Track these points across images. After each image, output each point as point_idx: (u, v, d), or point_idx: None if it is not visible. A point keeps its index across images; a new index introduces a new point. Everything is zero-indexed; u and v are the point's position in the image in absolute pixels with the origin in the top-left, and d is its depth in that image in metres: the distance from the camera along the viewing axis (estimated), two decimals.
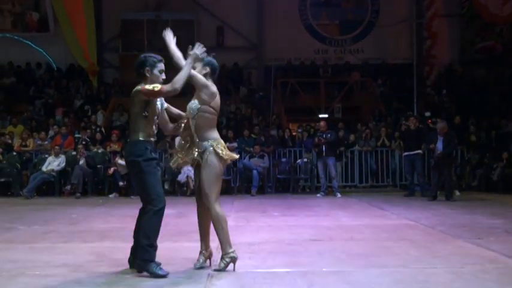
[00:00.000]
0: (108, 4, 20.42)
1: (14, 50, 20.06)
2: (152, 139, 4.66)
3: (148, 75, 4.62)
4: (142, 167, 4.50)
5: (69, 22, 18.06)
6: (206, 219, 4.81)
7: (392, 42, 20.58)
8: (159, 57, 4.73)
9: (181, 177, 13.00)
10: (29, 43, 20.24)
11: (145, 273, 4.44)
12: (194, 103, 4.70)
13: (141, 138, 4.56)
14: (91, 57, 18.55)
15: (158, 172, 4.65)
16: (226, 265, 4.63)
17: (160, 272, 4.40)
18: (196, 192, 4.92)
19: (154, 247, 4.46)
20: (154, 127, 4.68)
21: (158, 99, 4.70)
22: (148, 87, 4.48)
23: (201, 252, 4.84)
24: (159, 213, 4.49)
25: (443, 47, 19.90)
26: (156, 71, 4.65)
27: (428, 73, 19.90)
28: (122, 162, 12.38)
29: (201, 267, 4.75)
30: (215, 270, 4.64)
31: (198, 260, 4.81)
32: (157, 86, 4.48)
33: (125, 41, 20.17)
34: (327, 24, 21.17)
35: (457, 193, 12.32)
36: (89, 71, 18.74)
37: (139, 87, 4.55)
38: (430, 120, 13.94)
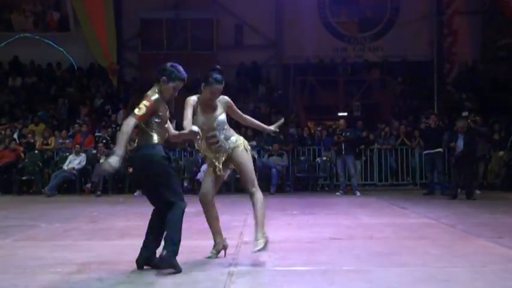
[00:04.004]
0: (127, 3, 20.57)
1: (35, 49, 20.29)
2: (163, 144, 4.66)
3: (162, 83, 4.57)
4: (167, 168, 4.55)
5: (89, 21, 18.24)
6: (216, 216, 5.14)
7: (412, 39, 20.38)
8: (183, 76, 4.63)
9: (200, 176, 13.03)
10: (50, 42, 20.48)
11: (164, 271, 4.46)
12: (222, 116, 5.02)
13: (156, 142, 4.55)
14: (111, 56, 18.72)
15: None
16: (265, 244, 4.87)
17: (178, 266, 4.43)
18: (210, 192, 5.07)
19: (179, 244, 4.49)
20: (163, 134, 4.66)
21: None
22: (138, 109, 4.42)
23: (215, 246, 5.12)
24: (184, 212, 4.57)
25: (464, 44, 19.68)
26: (170, 85, 4.58)
27: (449, 71, 19.69)
28: None
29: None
30: (258, 250, 4.80)
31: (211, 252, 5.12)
32: (140, 114, 4.41)
33: (145, 40, 20.32)
34: (346, 22, 21.08)
35: (477, 191, 12.21)
36: (108, 70, 18.91)
37: (149, 94, 4.53)
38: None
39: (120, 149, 4.36)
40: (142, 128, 4.58)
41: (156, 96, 4.51)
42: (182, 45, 19.95)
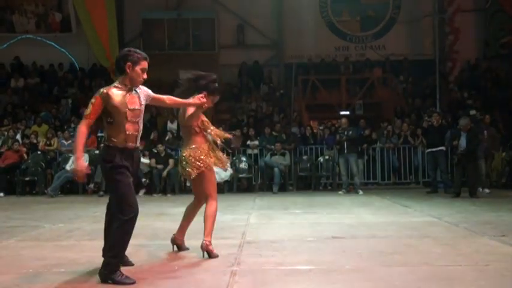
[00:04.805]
0: (129, 4, 20.59)
1: (37, 50, 20.33)
2: (129, 145, 4.37)
3: (129, 71, 4.35)
4: (111, 175, 4.32)
5: (91, 22, 18.27)
6: None
7: (414, 38, 20.38)
8: (144, 55, 4.46)
9: None
10: (52, 43, 20.51)
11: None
12: None
13: (111, 145, 4.34)
14: (113, 56, 18.72)
15: (128, 178, 4.33)
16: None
17: (126, 281, 4.18)
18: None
19: (118, 258, 4.30)
20: (128, 132, 4.35)
21: (144, 95, 4.51)
22: (86, 109, 4.29)
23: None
24: (128, 224, 4.30)
25: (466, 42, 19.64)
26: (138, 68, 4.38)
27: (451, 69, 19.66)
28: (145, 160, 12.50)
29: None
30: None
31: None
32: (87, 113, 4.26)
33: (146, 40, 20.29)
34: (348, 21, 21.06)
35: (487, 191, 12.16)
36: (110, 70, 18.92)
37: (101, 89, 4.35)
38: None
39: (77, 152, 4.29)
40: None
41: (103, 90, 4.30)
42: (184, 46, 19.98)
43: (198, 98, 4.87)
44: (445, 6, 19.73)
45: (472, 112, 14.92)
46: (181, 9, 20.40)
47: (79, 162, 4.25)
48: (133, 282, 4.19)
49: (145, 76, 4.45)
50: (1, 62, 20.57)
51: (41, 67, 20.43)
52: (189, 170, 5.09)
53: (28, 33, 20.64)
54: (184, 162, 5.15)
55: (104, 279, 4.22)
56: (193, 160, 5.08)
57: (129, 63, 4.36)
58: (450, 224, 7.25)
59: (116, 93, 4.34)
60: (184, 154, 5.17)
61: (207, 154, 5.15)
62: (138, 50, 4.49)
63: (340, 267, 4.69)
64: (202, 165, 5.09)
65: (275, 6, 20.66)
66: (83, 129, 4.27)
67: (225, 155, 5.41)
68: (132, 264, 4.71)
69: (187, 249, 5.42)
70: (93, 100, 4.29)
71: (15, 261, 5.12)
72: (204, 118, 5.29)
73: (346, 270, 4.57)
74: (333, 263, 4.86)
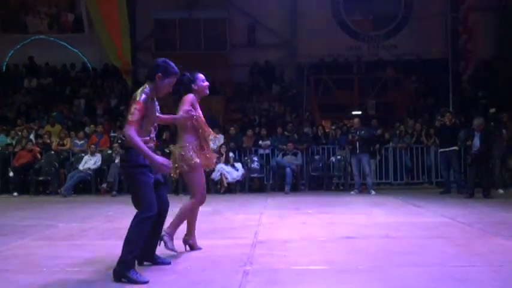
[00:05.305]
0: (141, 4, 20.68)
1: (50, 51, 20.50)
2: (150, 145, 4.46)
3: (158, 80, 4.45)
4: (132, 174, 4.42)
5: (103, 22, 18.36)
6: None
7: (426, 37, 20.21)
8: (177, 71, 4.58)
9: (215, 175, 13.08)
10: (65, 44, 20.65)
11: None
12: None
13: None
14: (125, 56, 18.81)
15: (150, 179, 4.44)
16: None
17: (140, 279, 4.21)
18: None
19: (133, 254, 4.33)
20: (149, 132, 4.48)
21: (157, 106, 4.61)
22: (131, 115, 4.29)
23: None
24: (147, 221, 4.38)
25: (480, 41, 19.44)
26: (167, 81, 4.50)
27: (465, 68, 19.50)
28: None
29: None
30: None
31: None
32: (132, 119, 4.28)
33: (158, 40, 20.40)
34: (360, 20, 21.00)
35: (501, 191, 12.06)
36: (122, 70, 19.02)
37: (137, 97, 4.36)
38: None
39: (149, 155, 4.27)
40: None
41: (144, 96, 4.36)
42: (195, 45, 20.02)
43: (186, 112, 5.03)
44: (457, 5, 19.57)
45: (492, 110, 14.78)
46: (192, 9, 20.43)
47: (156, 158, 4.29)
48: (147, 282, 4.21)
49: (170, 90, 4.58)
50: (15, 63, 20.78)
51: (54, 67, 20.58)
52: (178, 167, 5.18)
53: (41, 34, 20.81)
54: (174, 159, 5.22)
55: (118, 277, 4.25)
56: (183, 159, 5.15)
57: (159, 74, 4.46)
58: (464, 224, 7.20)
59: (152, 99, 4.47)
60: (175, 152, 5.24)
61: (196, 152, 5.20)
62: (172, 64, 4.58)
63: (352, 267, 4.67)
64: (191, 163, 5.15)
65: (287, 5, 20.62)
66: (132, 133, 4.26)
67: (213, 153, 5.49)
68: (169, 263, 4.85)
69: (200, 248, 5.43)
70: (137, 106, 4.32)
71: (30, 260, 5.16)
72: (199, 112, 5.30)
73: (359, 271, 4.56)
74: (345, 263, 4.85)
